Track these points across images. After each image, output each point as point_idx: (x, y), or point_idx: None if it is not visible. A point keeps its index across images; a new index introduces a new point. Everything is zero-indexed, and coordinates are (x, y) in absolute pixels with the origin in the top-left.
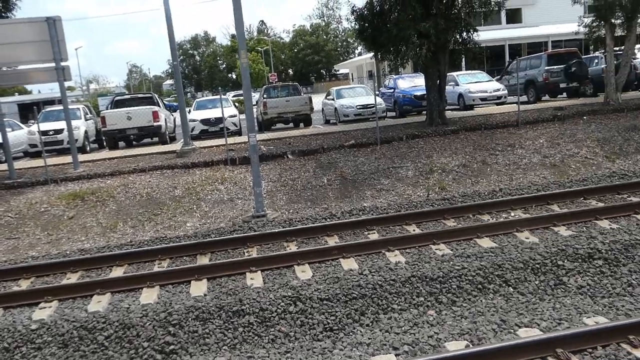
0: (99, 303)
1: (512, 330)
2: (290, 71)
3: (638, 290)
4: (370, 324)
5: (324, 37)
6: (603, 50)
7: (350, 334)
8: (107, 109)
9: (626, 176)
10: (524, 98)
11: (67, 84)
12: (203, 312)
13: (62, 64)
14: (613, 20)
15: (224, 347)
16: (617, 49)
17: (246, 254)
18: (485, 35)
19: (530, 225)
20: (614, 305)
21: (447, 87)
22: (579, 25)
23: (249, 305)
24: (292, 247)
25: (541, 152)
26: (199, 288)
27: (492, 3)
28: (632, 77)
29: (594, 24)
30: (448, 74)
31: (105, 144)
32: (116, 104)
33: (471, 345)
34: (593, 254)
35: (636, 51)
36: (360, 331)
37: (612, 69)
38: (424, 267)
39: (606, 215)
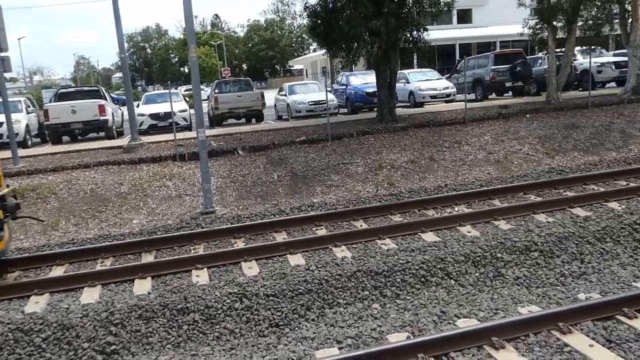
0: (36, 304)
1: (452, 321)
2: (244, 66)
3: (569, 280)
4: (316, 319)
5: (279, 32)
6: (546, 52)
7: (296, 329)
8: (50, 102)
9: (563, 172)
10: (472, 96)
11: (8, 75)
12: (146, 310)
13: (2, 54)
14: (555, 23)
15: (167, 346)
16: (558, 50)
17: (193, 251)
18: (437, 34)
19: (473, 220)
20: (547, 294)
21: (398, 84)
22: (523, 27)
23: (194, 303)
24: (240, 244)
25: (486, 149)
26: (142, 286)
27: (442, 3)
28: (572, 77)
29: (537, 26)
30: (399, 71)
31: (48, 138)
32: (60, 97)
33: (412, 337)
34: (530, 247)
35: (576, 53)
36: (306, 326)
37: (554, 70)
38: (370, 261)
39: (543, 209)
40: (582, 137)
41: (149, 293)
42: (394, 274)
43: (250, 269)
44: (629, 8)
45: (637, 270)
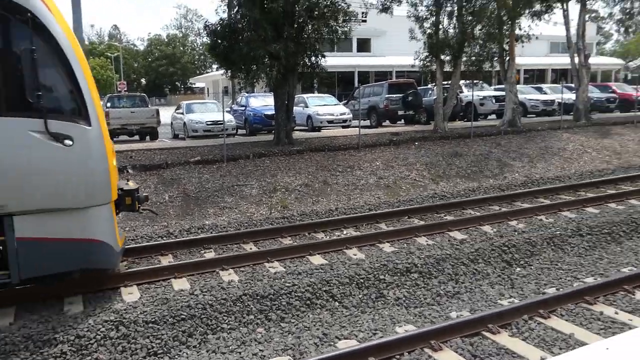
0: None
1: (333, 343)
2: (143, 81)
3: (444, 300)
4: (198, 345)
5: (181, 48)
6: (434, 83)
7: (176, 357)
8: None
9: (445, 197)
10: (368, 122)
11: None
12: (6, 343)
13: None
14: (442, 57)
15: None
16: (445, 82)
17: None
18: (337, 61)
19: (359, 243)
20: (423, 314)
21: (297, 108)
22: (415, 59)
23: (64, 333)
24: (121, 268)
25: (377, 174)
26: (4, 317)
27: (340, 32)
28: (458, 108)
29: (427, 59)
30: (299, 95)
31: None
32: None
33: None
34: (410, 268)
35: (462, 86)
36: (186, 353)
37: (441, 100)
38: (257, 285)
39: (424, 232)
40: (464, 165)
41: (11, 324)
42: (280, 297)
43: (131, 294)
44: (507, 47)
45: (504, 289)
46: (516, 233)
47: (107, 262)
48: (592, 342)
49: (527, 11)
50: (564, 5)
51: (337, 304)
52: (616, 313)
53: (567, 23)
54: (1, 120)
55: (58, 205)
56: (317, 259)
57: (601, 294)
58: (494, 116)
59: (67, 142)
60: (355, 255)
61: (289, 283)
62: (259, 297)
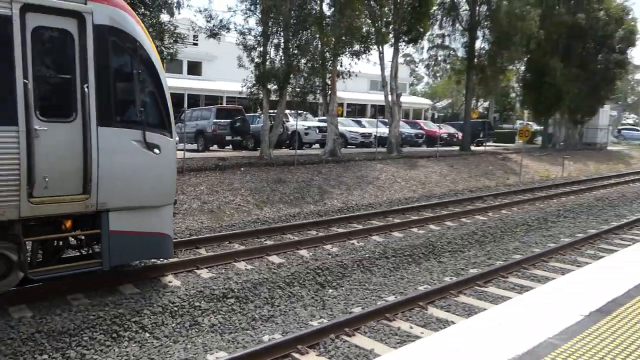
0: None
1: None
2: None
3: (259, 324)
4: None
5: None
6: (261, 111)
7: None
8: None
9: (267, 222)
10: (195, 146)
11: None
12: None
13: None
14: (269, 86)
15: None
16: (272, 111)
17: None
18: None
19: (175, 269)
20: (237, 339)
21: None
22: (242, 87)
23: None
24: None
25: (201, 199)
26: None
27: (165, 53)
28: (285, 136)
29: (255, 87)
30: None
31: None
32: None
33: None
34: (227, 294)
35: (288, 115)
36: None
37: (267, 128)
38: (54, 320)
39: (244, 257)
40: (288, 191)
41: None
42: (82, 332)
43: None
44: (329, 82)
45: (316, 310)
46: (330, 256)
47: (168, 253)
48: (384, 355)
49: (347, 50)
50: (380, 47)
51: (147, 334)
52: (411, 327)
53: (382, 64)
54: (112, 130)
55: (143, 204)
56: (128, 289)
57: (400, 310)
58: (317, 145)
59: (156, 150)
60: (170, 282)
61: (93, 315)
62: (56, 334)
